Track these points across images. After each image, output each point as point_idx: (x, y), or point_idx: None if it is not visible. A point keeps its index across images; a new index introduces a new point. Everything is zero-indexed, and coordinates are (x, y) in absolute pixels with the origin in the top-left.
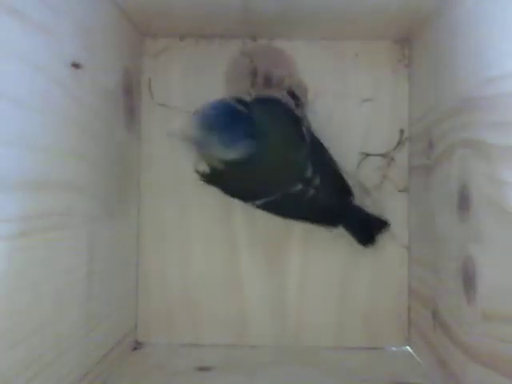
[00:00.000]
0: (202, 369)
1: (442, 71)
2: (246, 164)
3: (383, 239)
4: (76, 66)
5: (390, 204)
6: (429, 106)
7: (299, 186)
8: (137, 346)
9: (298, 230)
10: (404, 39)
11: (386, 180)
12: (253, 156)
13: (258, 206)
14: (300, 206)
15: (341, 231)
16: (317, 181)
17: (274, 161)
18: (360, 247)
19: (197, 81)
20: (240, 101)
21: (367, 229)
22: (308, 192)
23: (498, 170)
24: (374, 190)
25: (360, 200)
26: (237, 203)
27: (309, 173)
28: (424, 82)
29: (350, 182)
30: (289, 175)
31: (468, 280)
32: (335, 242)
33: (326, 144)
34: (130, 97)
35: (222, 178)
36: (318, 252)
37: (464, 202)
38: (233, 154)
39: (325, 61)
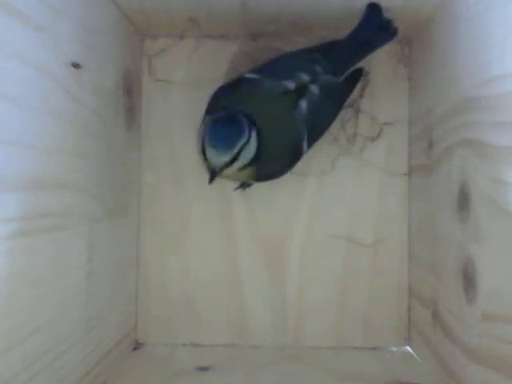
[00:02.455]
0: (202, 369)
1: (442, 71)
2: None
3: (383, 239)
4: (76, 65)
5: None
6: (429, 106)
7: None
8: (137, 345)
9: (298, 230)
10: (404, 39)
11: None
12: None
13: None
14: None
15: (340, 231)
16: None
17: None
18: (359, 248)
19: (197, 81)
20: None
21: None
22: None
23: (498, 170)
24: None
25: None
26: (237, 203)
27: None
28: (424, 82)
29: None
30: (289, 155)
31: (468, 280)
32: (335, 241)
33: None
34: (129, 97)
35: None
36: (317, 252)
37: (464, 201)
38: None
39: None
